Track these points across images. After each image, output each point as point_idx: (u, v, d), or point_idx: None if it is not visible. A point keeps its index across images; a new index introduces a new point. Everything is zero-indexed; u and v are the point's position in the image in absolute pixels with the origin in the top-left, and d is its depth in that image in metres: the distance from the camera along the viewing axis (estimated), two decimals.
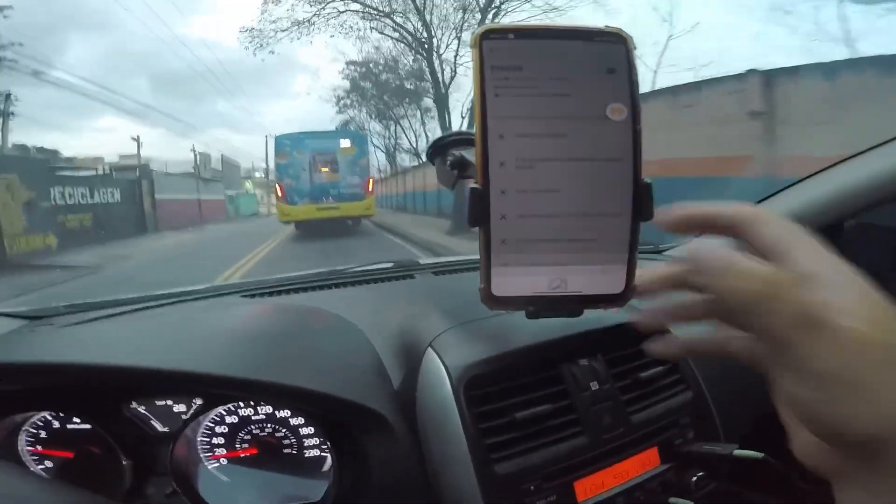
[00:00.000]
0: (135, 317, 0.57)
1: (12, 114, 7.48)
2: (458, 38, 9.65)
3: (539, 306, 0.33)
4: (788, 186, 0.71)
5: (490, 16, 8.78)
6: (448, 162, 0.42)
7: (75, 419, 0.44)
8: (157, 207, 13.20)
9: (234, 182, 25.92)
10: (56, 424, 0.44)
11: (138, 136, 15.61)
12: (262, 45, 9.23)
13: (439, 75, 9.69)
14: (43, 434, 0.45)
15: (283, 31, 9.08)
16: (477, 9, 9.06)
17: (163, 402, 0.44)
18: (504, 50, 0.29)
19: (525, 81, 0.29)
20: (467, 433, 0.38)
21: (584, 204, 0.30)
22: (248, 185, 30.72)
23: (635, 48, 0.30)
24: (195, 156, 19.06)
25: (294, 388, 0.39)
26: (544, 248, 0.31)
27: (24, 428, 0.44)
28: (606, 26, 0.30)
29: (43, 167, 8.66)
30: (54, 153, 14.47)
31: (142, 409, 0.45)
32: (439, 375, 0.40)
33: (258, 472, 0.44)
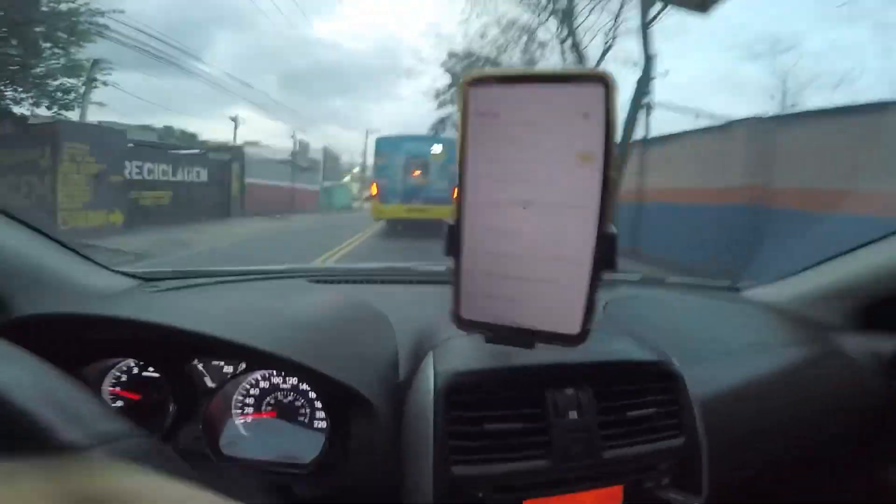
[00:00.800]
0: (218, 288, 0.71)
1: (96, 80, 6.91)
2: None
3: (498, 333, 0.36)
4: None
5: None
6: None
7: (150, 368, 0.52)
8: (246, 191, 12.84)
9: (331, 174, 26.25)
10: (135, 371, 0.53)
11: (236, 116, 15.67)
12: None
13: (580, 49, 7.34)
14: (123, 378, 0.53)
15: None
16: None
17: (217, 363, 0.52)
18: (487, 97, 0.31)
19: (503, 127, 0.31)
20: (436, 432, 0.41)
21: (546, 247, 0.32)
22: (346, 178, 31.20)
23: (615, 90, 0.29)
24: (294, 142, 19.09)
25: (308, 368, 0.44)
26: (507, 283, 0.34)
27: (111, 371, 0.53)
28: (589, 69, 0.45)
29: (120, 139, 8.19)
30: (192, 136, 14.96)
31: (200, 367, 0.52)
32: (428, 377, 0.44)
33: (270, 430, 0.50)
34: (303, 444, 0.48)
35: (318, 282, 0.76)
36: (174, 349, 0.50)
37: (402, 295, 0.71)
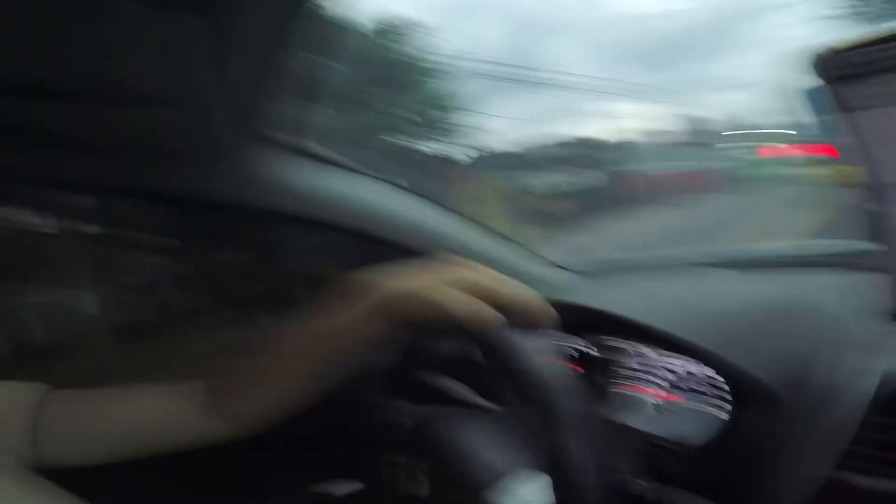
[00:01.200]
0: (640, 279, 0.75)
1: (465, 111, 7.85)
2: None
3: None
4: None
5: None
6: None
7: (583, 345, 0.62)
8: (635, 183, 11.77)
9: (732, 147, 21.44)
10: (571, 347, 0.63)
11: (600, 111, 14.96)
12: None
13: None
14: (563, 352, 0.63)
15: None
16: None
17: (638, 345, 0.58)
18: (858, 62, 0.30)
19: (882, 94, 0.29)
20: (855, 434, 0.39)
21: None
22: (752, 147, 24.66)
23: None
24: (677, 124, 16.72)
25: (721, 359, 0.47)
26: None
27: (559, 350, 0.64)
28: None
29: (519, 159, 8.79)
30: (583, 140, 15.69)
31: (623, 346, 0.59)
32: (868, 375, 0.41)
33: (669, 411, 0.52)
34: (694, 428, 0.48)
35: (740, 270, 0.74)
36: (605, 330, 0.58)
37: (843, 282, 0.63)
